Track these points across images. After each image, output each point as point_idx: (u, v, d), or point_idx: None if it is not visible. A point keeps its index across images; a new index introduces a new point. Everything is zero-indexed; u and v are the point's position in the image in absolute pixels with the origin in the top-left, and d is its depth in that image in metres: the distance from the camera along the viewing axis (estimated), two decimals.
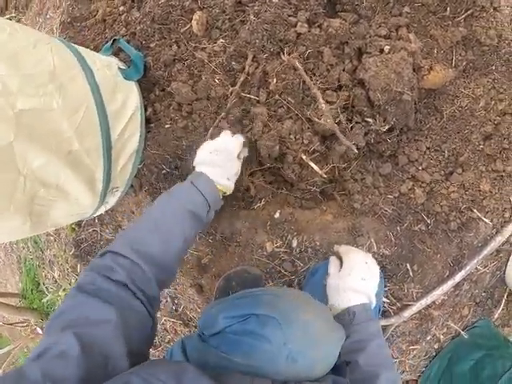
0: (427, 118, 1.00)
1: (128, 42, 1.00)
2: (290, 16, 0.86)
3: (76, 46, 0.89)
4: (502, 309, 1.20)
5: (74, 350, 0.44)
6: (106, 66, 0.90)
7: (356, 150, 0.84)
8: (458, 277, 1.08)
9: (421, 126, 0.99)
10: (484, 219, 1.05)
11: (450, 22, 1.00)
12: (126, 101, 0.90)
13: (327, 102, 0.88)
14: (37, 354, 0.45)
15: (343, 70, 0.89)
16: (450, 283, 1.08)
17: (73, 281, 1.60)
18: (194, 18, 0.89)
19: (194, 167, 0.81)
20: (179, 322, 1.26)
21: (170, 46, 0.94)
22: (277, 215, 0.99)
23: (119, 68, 0.94)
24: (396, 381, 0.66)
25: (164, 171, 0.98)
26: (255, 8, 0.86)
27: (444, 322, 1.17)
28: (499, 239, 1.05)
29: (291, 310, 0.58)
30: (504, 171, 1.05)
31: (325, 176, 0.88)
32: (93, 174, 0.83)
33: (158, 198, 0.74)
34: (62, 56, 0.79)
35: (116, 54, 1.02)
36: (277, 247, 1.00)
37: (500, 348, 1.09)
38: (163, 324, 1.32)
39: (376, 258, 1.00)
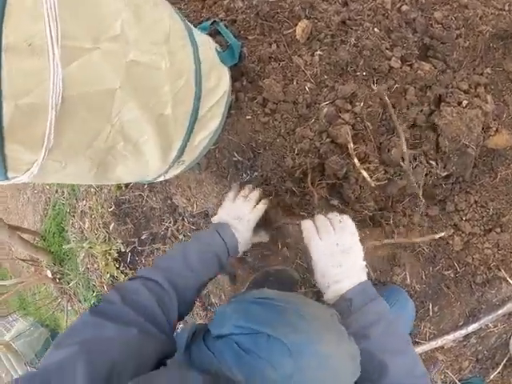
0: (482, 174, 1.05)
1: (226, 27, 0.99)
2: (387, 49, 0.92)
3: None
4: (499, 372, 1.23)
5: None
6: (206, 43, 0.90)
7: (419, 190, 0.89)
8: (471, 328, 1.13)
9: (474, 181, 1.05)
10: (509, 280, 1.09)
11: None
12: (219, 82, 0.90)
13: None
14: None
15: (421, 111, 0.95)
16: (462, 332, 1.13)
17: (101, 236, 1.53)
18: (299, 24, 0.92)
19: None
20: (199, 304, 1.27)
21: (270, 44, 0.96)
22: None
23: (216, 50, 0.93)
24: (410, 368, 0.59)
25: (235, 158, 1.01)
26: (358, 32, 0.92)
27: (444, 370, 1.20)
28: None
29: (311, 339, 0.49)
30: None
31: (373, 185, 0.90)
32: (171, 143, 0.83)
33: (186, 242, 0.86)
34: (177, 24, 0.78)
35: (210, 36, 0.99)
36: None
37: None
38: None
39: (407, 291, 1.05)
